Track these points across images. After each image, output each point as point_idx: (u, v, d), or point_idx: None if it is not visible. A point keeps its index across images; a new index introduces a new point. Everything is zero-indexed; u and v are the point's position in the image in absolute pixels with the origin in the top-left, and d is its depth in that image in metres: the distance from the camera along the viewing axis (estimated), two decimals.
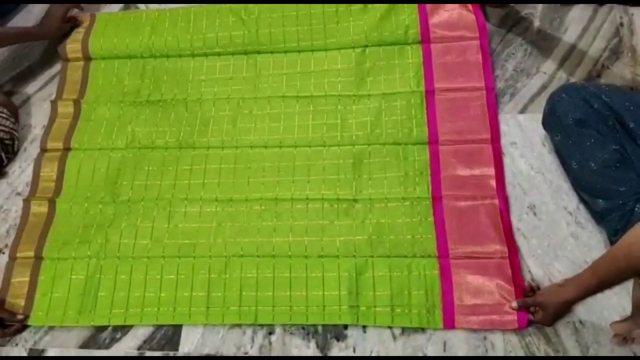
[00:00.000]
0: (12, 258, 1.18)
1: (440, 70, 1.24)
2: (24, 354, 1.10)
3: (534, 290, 1.02)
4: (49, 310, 1.12)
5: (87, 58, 1.39)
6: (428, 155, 1.17)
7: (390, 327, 1.05)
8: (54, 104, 1.34)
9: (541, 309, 0.97)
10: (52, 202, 1.22)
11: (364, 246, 1.10)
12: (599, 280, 0.86)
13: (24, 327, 1.12)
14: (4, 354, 1.10)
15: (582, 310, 1.02)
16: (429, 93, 1.23)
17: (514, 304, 1.01)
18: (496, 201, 1.10)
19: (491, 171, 1.14)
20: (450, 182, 1.14)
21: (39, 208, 1.22)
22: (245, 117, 1.27)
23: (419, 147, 1.19)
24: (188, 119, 1.28)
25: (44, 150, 1.29)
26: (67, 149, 1.29)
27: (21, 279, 1.15)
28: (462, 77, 1.23)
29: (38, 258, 1.17)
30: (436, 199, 1.13)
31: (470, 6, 1.27)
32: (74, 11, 1.42)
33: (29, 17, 1.52)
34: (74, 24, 1.40)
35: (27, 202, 1.23)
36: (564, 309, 0.98)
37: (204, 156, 1.24)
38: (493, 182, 1.13)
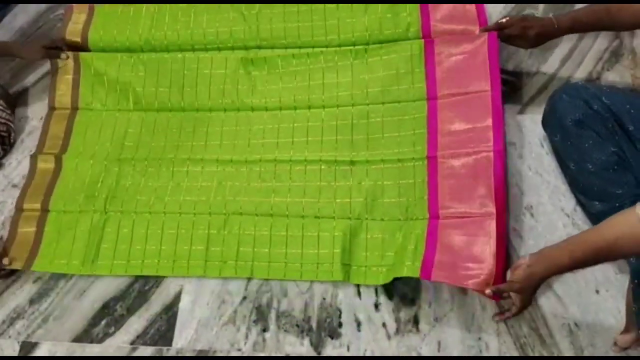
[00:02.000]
0: (19, 210, 1.21)
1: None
2: (17, 346, 1.10)
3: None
4: (53, 258, 1.15)
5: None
6: (426, 112, 1.17)
7: (384, 326, 1.05)
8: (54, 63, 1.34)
9: (518, 293, 0.93)
10: (58, 159, 1.26)
11: (359, 208, 1.12)
12: (575, 262, 0.83)
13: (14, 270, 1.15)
14: None
15: (577, 312, 1.02)
16: (428, 43, 1.21)
17: (488, 291, 0.95)
18: (491, 154, 1.07)
19: (489, 122, 1.10)
20: (447, 139, 1.13)
21: (46, 164, 1.26)
22: (244, 78, 1.28)
23: (417, 103, 1.18)
24: (188, 77, 1.30)
25: (52, 108, 1.32)
26: (74, 109, 1.32)
27: (27, 229, 1.19)
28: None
29: (45, 211, 1.20)
30: (431, 158, 1.12)
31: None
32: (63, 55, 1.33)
33: (27, 11, 1.52)
34: (56, 55, 1.32)
35: (33, 157, 1.27)
36: (539, 285, 0.93)
37: (206, 118, 1.27)
38: (490, 134, 1.09)
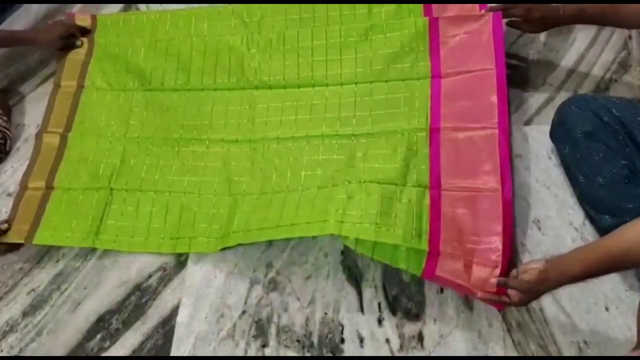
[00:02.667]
0: (24, 188, 1.21)
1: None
2: None
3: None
4: (55, 231, 1.15)
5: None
6: (430, 89, 1.16)
7: (387, 342, 1.02)
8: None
9: (523, 293, 0.90)
10: (63, 137, 1.27)
11: (358, 172, 1.10)
12: (588, 274, 0.83)
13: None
14: None
15: (586, 330, 0.99)
16: (433, 21, 1.20)
17: (494, 280, 0.94)
18: (496, 131, 1.06)
19: (494, 99, 1.09)
20: (450, 114, 1.12)
21: (51, 141, 1.26)
22: (249, 56, 1.28)
23: (421, 81, 1.17)
24: (196, 57, 1.30)
25: (58, 85, 1.32)
26: (80, 87, 1.32)
27: (30, 208, 1.19)
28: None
29: (49, 188, 1.21)
30: (434, 130, 1.12)
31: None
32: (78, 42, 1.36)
33: (27, 15, 1.50)
34: (71, 43, 1.35)
35: (39, 136, 1.27)
36: (546, 292, 0.91)
37: (211, 97, 1.27)
38: (495, 111, 1.08)
